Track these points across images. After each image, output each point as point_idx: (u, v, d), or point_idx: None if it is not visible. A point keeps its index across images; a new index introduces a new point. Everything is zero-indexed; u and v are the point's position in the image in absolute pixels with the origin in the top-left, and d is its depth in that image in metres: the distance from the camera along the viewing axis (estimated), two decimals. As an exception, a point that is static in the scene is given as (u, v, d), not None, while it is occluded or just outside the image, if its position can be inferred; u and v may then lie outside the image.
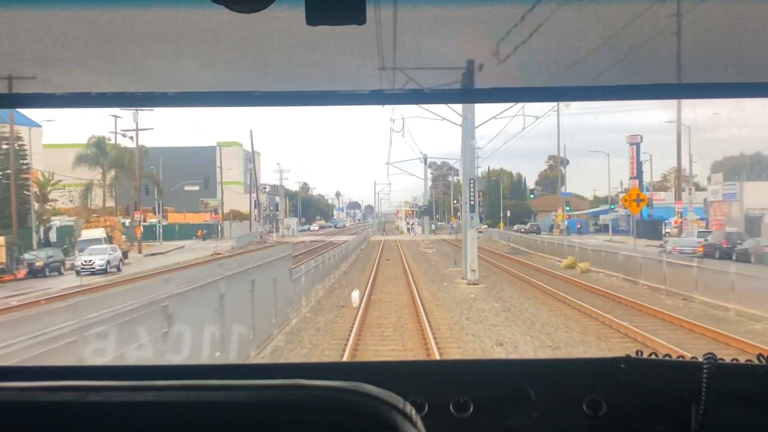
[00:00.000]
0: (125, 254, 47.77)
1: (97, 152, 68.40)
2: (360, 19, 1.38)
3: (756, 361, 2.12)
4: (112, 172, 69.39)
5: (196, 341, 11.70)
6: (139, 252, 54.82)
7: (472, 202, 29.09)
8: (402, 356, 15.04)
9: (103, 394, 0.95)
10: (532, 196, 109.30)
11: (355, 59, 1.93)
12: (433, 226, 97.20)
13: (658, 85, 1.93)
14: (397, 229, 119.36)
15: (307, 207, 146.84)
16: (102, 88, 1.98)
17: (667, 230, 60.09)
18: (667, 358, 2.26)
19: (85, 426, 0.93)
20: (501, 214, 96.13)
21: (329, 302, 23.63)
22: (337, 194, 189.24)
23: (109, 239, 50.03)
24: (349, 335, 17.34)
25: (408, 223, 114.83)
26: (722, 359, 2.06)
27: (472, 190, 28.44)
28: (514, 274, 33.49)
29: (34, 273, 39.07)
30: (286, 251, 21.60)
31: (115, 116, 68.71)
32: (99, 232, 49.97)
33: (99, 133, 70.85)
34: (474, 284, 27.99)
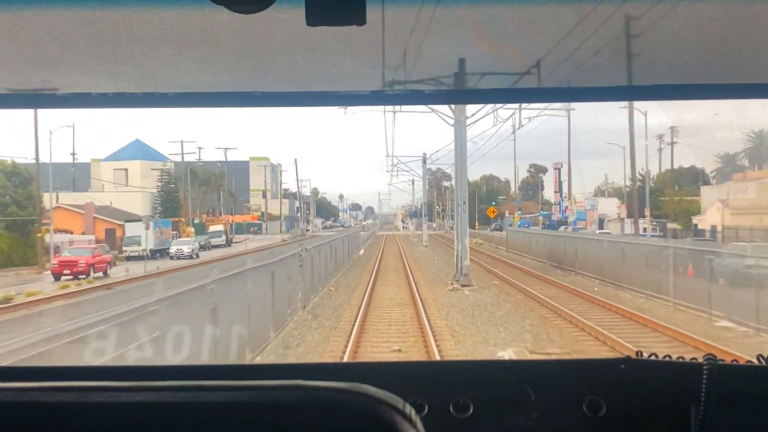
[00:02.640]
0: (231, 241, 72.14)
1: (190, 173, 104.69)
2: (360, 19, 1.36)
3: (756, 362, 2.11)
4: (202, 188, 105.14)
5: (326, 260, 44.00)
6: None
7: (426, 215, 66.92)
8: (394, 264, 51.25)
9: (103, 394, 0.95)
10: (494, 203, 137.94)
11: (356, 60, 1.87)
12: (434, 225, 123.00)
13: (659, 86, 1.90)
14: (395, 227, 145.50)
15: (319, 209, 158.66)
16: (102, 89, 1.95)
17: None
18: (667, 359, 2.23)
19: (85, 426, 0.93)
20: (476, 217, 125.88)
21: (369, 250, 60.48)
22: (341, 197, 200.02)
23: (225, 232, 76.68)
24: (378, 256, 53.95)
25: (404, 223, 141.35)
26: (722, 360, 2.03)
27: (426, 210, 66.31)
28: (448, 245, 69.94)
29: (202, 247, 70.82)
30: (355, 230, 58.01)
31: (200, 148, 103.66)
32: (220, 227, 75.75)
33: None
34: (426, 247, 64.79)
